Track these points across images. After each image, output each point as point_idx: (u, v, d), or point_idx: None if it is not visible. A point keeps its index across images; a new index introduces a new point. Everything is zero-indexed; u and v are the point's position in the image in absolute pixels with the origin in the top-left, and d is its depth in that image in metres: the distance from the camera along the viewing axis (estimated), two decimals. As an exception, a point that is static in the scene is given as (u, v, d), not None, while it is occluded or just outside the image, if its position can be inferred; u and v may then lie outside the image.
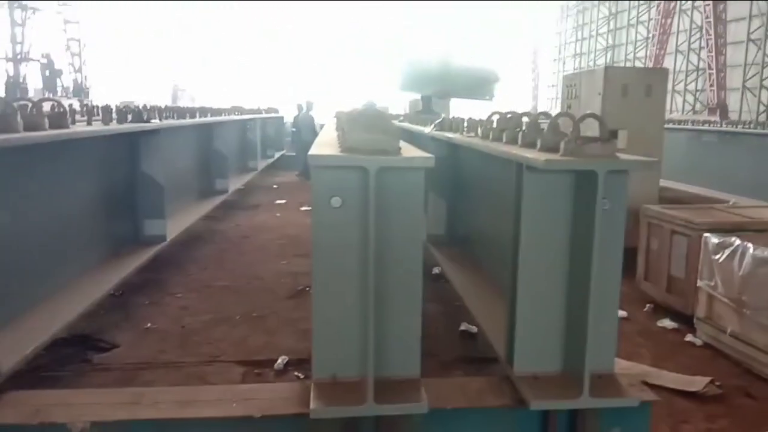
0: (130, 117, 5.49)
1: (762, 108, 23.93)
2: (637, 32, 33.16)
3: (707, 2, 24.54)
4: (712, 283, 4.52)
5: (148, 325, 4.73)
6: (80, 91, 32.25)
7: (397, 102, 17.91)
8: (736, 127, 12.31)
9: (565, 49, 43.83)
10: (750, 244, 4.23)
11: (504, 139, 3.44)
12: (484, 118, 4.66)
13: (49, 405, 2.54)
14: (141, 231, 5.66)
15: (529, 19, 48.28)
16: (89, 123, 4.83)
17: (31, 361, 3.36)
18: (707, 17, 24.68)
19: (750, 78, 24.51)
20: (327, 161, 2.45)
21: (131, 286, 5.35)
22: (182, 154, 7.66)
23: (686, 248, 5.04)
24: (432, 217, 5.55)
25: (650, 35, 30.17)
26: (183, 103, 24.15)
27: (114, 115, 5.38)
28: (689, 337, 4.75)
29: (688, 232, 5.04)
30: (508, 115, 3.86)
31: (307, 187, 2.83)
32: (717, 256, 4.47)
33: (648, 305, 5.45)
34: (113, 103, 7.36)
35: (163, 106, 7.27)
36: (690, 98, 28.94)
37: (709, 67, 24.78)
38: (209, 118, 9.00)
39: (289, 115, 17.67)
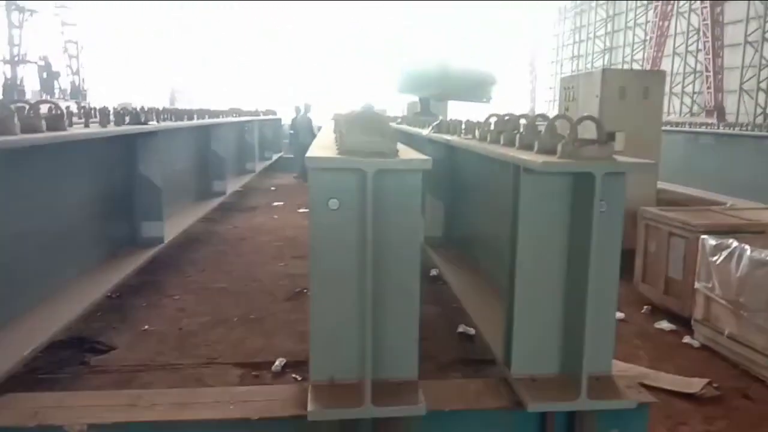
0: (127, 119, 5.49)
1: (759, 110, 23.96)
2: (634, 35, 33.20)
3: (704, 5, 24.62)
4: (710, 285, 4.52)
5: (146, 327, 4.73)
6: (78, 93, 32.19)
7: (395, 104, 17.97)
8: (734, 129, 12.28)
9: (562, 51, 43.89)
10: (747, 246, 4.23)
11: (501, 141, 3.45)
12: (482, 120, 4.66)
13: (47, 407, 2.54)
14: (138, 233, 5.66)
15: (528, 19, 48.32)
16: (86, 125, 4.83)
17: (28, 363, 3.36)
18: (704, 20, 24.73)
19: (747, 80, 24.54)
20: (325, 163, 2.45)
21: (128, 288, 5.34)
22: (180, 156, 7.65)
23: (684, 250, 5.05)
24: (430, 219, 5.56)
25: (648, 38, 30.22)
26: (181, 105, 24.11)
27: (111, 117, 5.38)
28: (687, 339, 4.75)
29: (686, 234, 5.05)
30: (506, 118, 3.87)
31: (305, 189, 2.84)
32: (714, 258, 4.47)
33: (645, 307, 5.46)
34: (111, 105, 7.35)
35: (160, 108, 7.26)
36: (687, 100, 28.97)
37: (707, 70, 24.81)
38: (207, 120, 9.00)
39: (287, 117, 17.68)
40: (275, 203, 11.17)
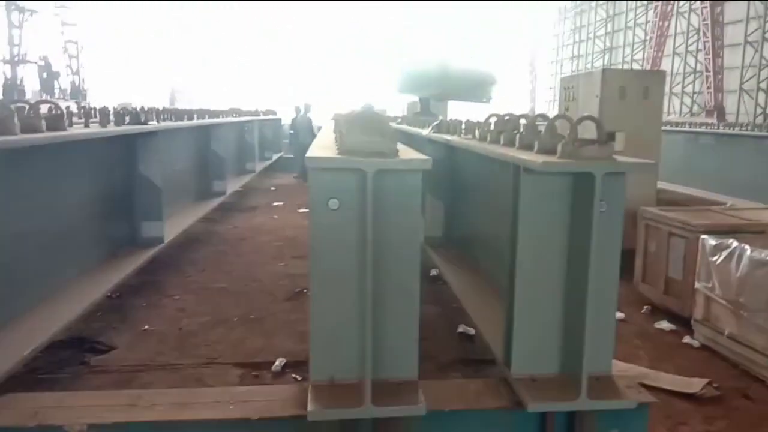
0: (127, 119, 5.49)
1: (759, 110, 23.96)
2: (634, 35, 33.19)
3: (704, 5, 24.62)
4: (710, 285, 4.53)
5: (146, 327, 4.73)
6: (78, 93, 32.20)
7: (395, 104, 17.98)
8: (734, 129, 12.28)
9: (562, 51, 43.88)
10: (747, 246, 4.23)
11: (501, 141, 3.45)
12: (482, 120, 4.66)
13: (47, 407, 2.54)
14: (138, 233, 5.66)
15: (528, 19, 48.29)
16: (86, 125, 4.83)
17: (28, 363, 3.36)
18: (704, 20, 24.73)
19: (747, 80, 24.53)
20: (325, 163, 2.45)
21: (128, 288, 5.34)
22: (180, 156, 7.65)
23: (684, 250, 5.05)
24: (430, 219, 5.56)
25: (648, 38, 30.22)
26: (181, 105, 24.11)
27: (111, 117, 5.38)
28: (687, 339, 4.75)
29: (686, 234, 5.05)
30: (506, 118, 3.87)
31: (305, 189, 2.84)
32: (714, 258, 4.47)
33: (645, 307, 5.46)
34: (111, 104, 7.35)
35: (160, 108, 7.27)
36: (687, 100, 28.97)
37: (707, 70, 24.81)
38: (207, 120, 9.00)
39: (287, 117, 17.68)
40: (275, 203, 11.17)
